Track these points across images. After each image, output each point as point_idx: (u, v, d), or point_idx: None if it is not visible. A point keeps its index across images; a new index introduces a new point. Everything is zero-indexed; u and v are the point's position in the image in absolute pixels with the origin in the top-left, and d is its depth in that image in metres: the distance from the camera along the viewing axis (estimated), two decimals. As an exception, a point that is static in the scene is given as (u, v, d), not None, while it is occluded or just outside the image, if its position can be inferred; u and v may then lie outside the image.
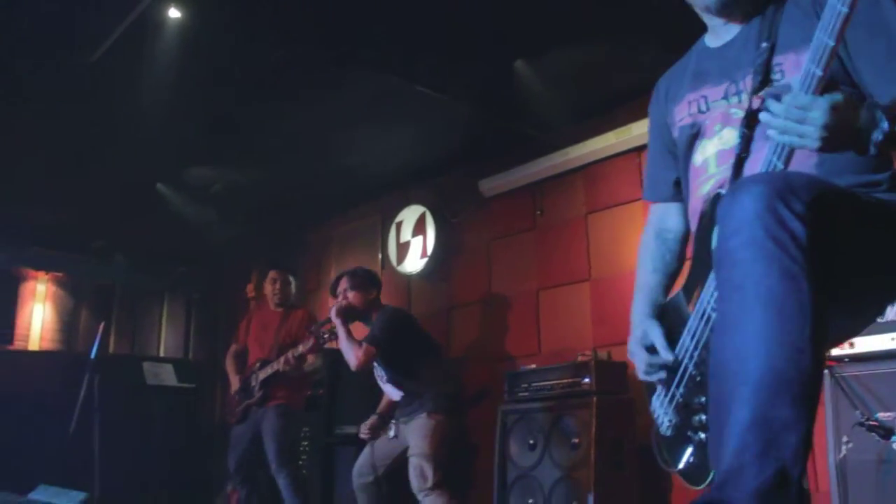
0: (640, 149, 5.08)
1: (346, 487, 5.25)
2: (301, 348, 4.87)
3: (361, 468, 4.60)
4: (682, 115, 1.90)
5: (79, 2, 3.76)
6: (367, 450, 4.63)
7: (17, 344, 7.51)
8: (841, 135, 1.37)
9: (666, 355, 1.78)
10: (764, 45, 1.68)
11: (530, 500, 4.67)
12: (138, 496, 5.93)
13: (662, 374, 1.80)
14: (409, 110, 5.27)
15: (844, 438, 3.45)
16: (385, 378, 4.62)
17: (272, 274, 5.44)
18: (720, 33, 1.86)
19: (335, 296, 4.66)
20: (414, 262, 6.42)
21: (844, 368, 3.57)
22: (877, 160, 1.63)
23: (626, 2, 4.03)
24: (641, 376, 1.88)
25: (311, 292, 7.55)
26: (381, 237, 6.86)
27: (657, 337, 1.81)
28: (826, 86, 1.40)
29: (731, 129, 1.73)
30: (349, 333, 4.41)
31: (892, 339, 3.49)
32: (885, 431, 3.36)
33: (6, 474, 4.74)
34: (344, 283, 4.65)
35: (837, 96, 1.38)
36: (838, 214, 1.38)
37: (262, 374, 5.05)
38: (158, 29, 3.98)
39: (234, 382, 5.27)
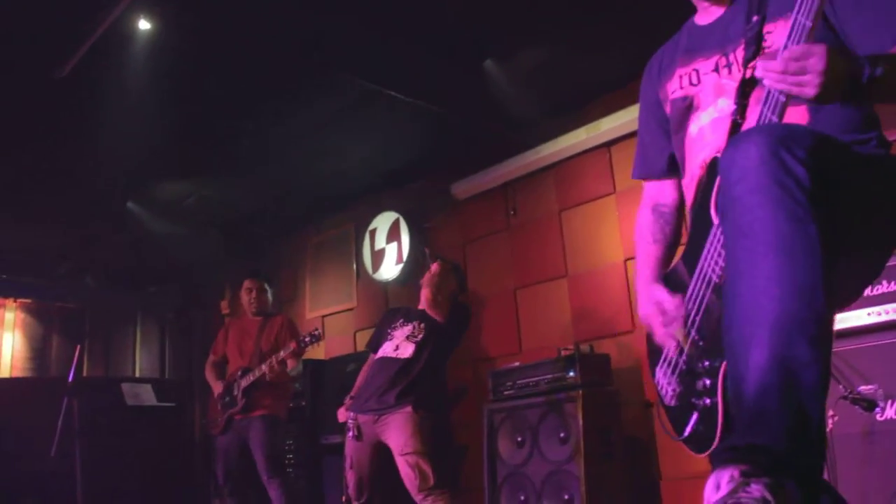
0: (611, 144, 5.15)
1: (334, 497, 5.22)
2: (283, 353, 4.82)
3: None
4: (674, 88, 1.94)
5: (48, 16, 3.71)
6: (350, 474, 4.17)
7: (-12, 372, 7.38)
8: (835, 80, 1.41)
9: (674, 300, 1.77)
10: (755, 18, 1.72)
11: (522, 497, 4.68)
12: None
13: (680, 325, 1.76)
14: (379, 116, 5.28)
15: (830, 412, 3.51)
16: (416, 338, 4.23)
17: (247, 283, 5.35)
18: (709, 11, 1.93)
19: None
20: (390, 269, 6.42)
21: (825, 345, 3.66)
22: (864, 121, 1.69)
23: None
24: (660, 336, 1.83)
25: (287, 302, 7.51)
26: (356, 245, 6.85)
27: (667, 300, 1.80)
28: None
29: (725, 99, 1.77)
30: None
31: (869, 314, 3.58)
32: (867, 404, 3.44)
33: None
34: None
35: (826, 45, 1.42)
36: (836, 162, 1.41)
37: (244, 382, 4.98)
38: (128, 41, 3.95)
39: (216, 388, 5.19)
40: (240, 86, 4.72)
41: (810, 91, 1.41)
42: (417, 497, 3.91)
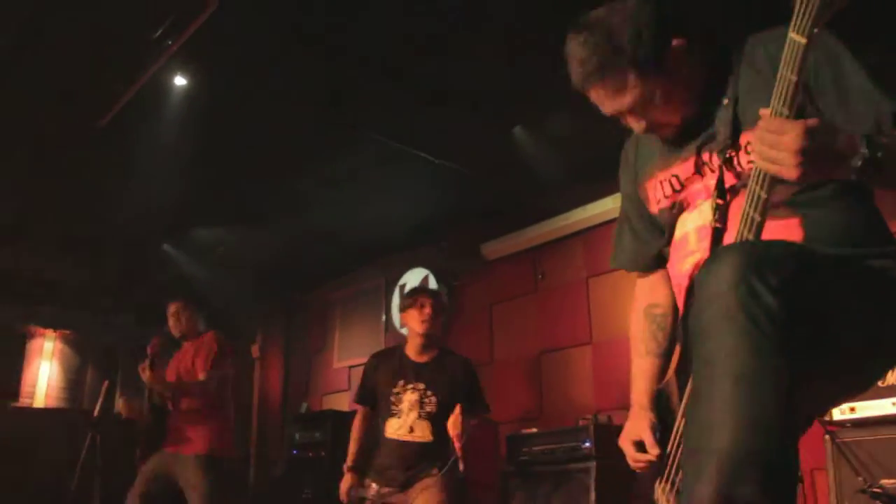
0: (641, 213, 5.13)
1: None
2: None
3: None
4: (658, 196, 1.83)
5: (90, 68, 3.88)
6: None
7: (23, 401, 7.51)
8: (818, 160, 1.31)
9: (653, 451, 1.75)
10: (726, 100, 1.66)
11: (531, 567, 4.61)
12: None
13: (647, 468, 1.77)
14: (412, 174, 5.36)
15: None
16: (429, 413, 4.00)
17: (171, 307, 4.90)
18: None
19: (413, 306, 4.21)
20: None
21: (846, 434, 3.53)
22: (868, 231, 1.59)
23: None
24: (631, 464, 1.83)
25: (316, 353, 7.58)
26: (386, 299, 6.89)
27: (645, 432, 1.78)
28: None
29: (707, 203, 1.67)
30: None
31: (894, 403, 3.46)
32: (889, 499, 3.29)
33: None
34: (433, 301, 4.22)
35: (813, 120, 1.32)
36: (819, 287, 1.34)
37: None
38: (166, 95, 4.10)
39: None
40: (272, 139, 4.84)
41: (788, 173, 1.32)
42: None
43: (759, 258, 1.27)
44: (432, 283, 6.40)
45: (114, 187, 5.39)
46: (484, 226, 6.10)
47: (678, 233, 1.79)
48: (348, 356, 7.17)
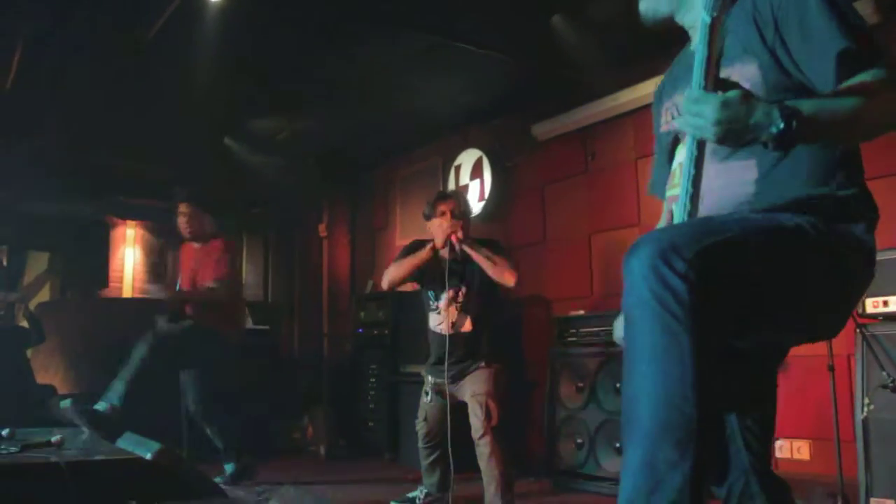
0: (690, 93, 5.02)
1: (409, 423, 5.57)
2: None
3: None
4: (664, 121, 1.99)
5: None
6: (422, 425, 4.33)
7: (112, 286, 8.07)
8: (734, 129, 1.47)
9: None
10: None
11: (578, 440, 4.91)
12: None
13: None
14: (459, 61, 5.32)
15: (866, 400, 3.46)
16: (464, 305, 4.18)
17: (180, 207, 5.16)
18: (693, 35, 1.93)
19: (434, 215, 4.30)
20: (472, 205, 6.54)
21: (877, 328, 3.56)
22: (832, 167, 1.68)
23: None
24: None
25: (379, 230, 7.85)
26: (442, 179, 7.01)
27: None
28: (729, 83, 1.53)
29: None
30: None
31: (930, 301, 3.46)
32: (910, 393, 3.36)
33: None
34: (453, 205, 4.29)
35: (731, 93, 1.48)
36: (729, 261, 1.47)
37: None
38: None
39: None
40: (327, 28, 4.85)
41: (710, 136, 1.49)
42: (477, 436, 3.94)
43: (666, 246, 1.41)
44: (486, 164, 6.47)
45: (175, 89, 5.56)
46: (534, 106, 6.07)
47: (674, 163, 1.92)
48: (410, 233, 7.38)
